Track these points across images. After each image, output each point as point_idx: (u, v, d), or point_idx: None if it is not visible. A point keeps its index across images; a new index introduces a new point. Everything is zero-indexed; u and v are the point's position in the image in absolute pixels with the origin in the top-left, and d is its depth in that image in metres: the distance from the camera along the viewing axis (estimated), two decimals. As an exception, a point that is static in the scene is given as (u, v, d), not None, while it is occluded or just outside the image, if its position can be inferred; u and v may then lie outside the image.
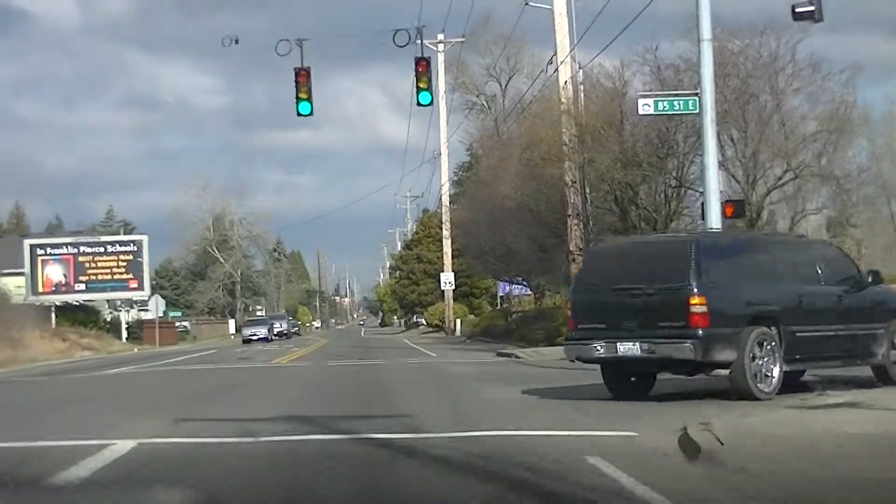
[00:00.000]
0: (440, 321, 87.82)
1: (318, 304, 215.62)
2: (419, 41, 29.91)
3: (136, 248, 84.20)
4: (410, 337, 72.76)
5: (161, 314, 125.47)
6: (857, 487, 8.25)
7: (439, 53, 67.04)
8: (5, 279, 75.24)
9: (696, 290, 14.87)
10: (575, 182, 35.84)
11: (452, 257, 72.91)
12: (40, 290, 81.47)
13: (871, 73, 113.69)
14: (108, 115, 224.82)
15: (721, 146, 30.75)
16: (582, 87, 35.91)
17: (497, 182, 50.16)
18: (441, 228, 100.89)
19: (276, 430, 12.90)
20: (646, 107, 31.39)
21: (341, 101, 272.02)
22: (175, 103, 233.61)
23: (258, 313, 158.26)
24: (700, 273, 15.10)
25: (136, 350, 72.54)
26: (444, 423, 13.26)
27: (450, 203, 73.00)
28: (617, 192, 35.17)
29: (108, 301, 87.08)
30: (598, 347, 15.91)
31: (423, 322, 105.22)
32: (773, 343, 15.33)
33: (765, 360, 15.16)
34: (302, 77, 29.47)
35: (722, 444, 10.03)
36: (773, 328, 15.40)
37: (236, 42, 30.46)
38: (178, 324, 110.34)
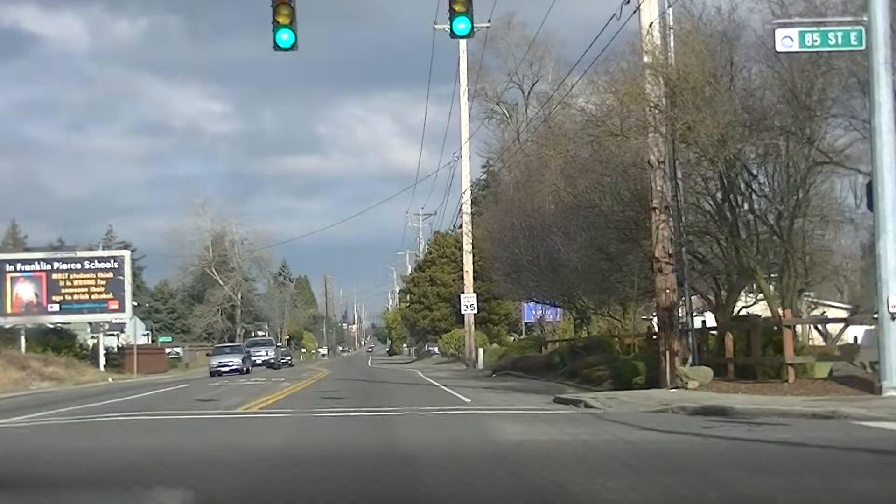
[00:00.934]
0: (456, 350, 77.41)
1: (324, 331, 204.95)
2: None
3: (116, 265, 73.99)
4: (424, 368, 62.35)
5: (146, 338, 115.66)
6: None
7: (461, 41, 56.93)
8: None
9: None
10: (663, 162, 25.54)
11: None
12: (8, 310, 71.30)
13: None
14: (118, 140, 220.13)
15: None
16: (672, 32, 25.69)
17: (534, 182, 39.92)
18: (457, 249, 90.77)
19: None
20: (787, 41, 21.19)
21: (352, 128, 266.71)
22: (185, 128, 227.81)
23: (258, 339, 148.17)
24: None
25: (110, 380, 62.29)
26: None
27: (466, 224, 62.67)
28: (723, 172, 24.89)
29: (90, 324, 76.75)
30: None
31: (437, 350, 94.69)
32: None
33: None
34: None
35: None
36: None
37: None
38: (168, 350, 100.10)
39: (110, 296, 73.27)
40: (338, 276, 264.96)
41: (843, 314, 31.83)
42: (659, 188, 25.60)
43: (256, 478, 10.65)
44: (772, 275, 26.63)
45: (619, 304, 38.42)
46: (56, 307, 72.30)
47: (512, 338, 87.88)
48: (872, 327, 23.23)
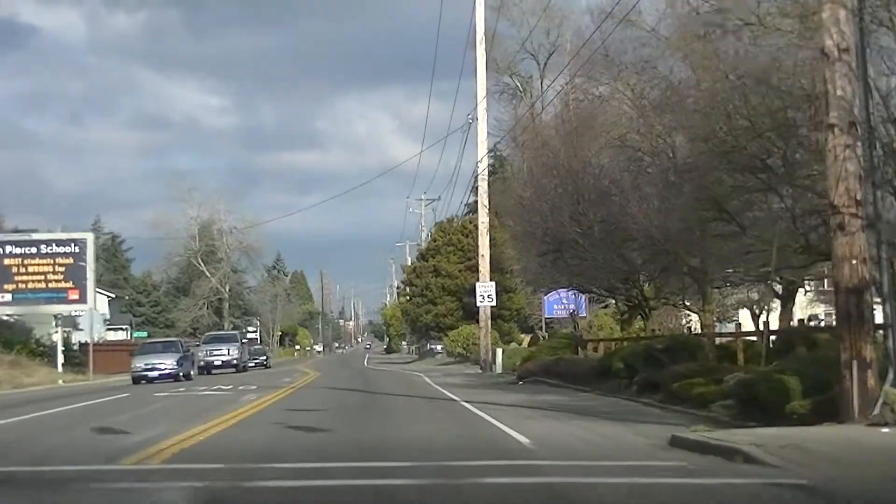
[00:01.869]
0: (465, 349, 67.03)
1: (320, 327, 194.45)
2: None
3: (77, 250, 63.44)
4: (430, 371, 51.99)
5: (125, 333, 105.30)
6: None
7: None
8: None
9: None
10: (846, 51, 15.26)
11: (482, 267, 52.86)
12: (-49, 300, 61.08)
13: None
14: (115, 133, 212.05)
15: None
16: None
17: (584, 135, 29.59)
18: (464, 236, 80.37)
19: None
20: None
21: (351, 123, 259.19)
22: (183, 122, 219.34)
23: (249, 335, 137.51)
24: None
25: (61, 382, 51.90)
26: None
27: (482, 194, 52.28)
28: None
29: (56, 317, 66.39)
30: None
31: (440, 349, 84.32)
32: None
33: None
34: None
35: None
36: None
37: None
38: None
39: (70, 284, 62.86)
40: (335, 273, 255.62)
41: None
42: (840, 92, 15.26)
43: None
44: None
45: (699, 293, 28.02)
46: (7, 297, 62.01)
47: (525, 337, 77.62)
48: None
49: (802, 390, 16.54)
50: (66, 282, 62.83)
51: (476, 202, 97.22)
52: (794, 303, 28.47)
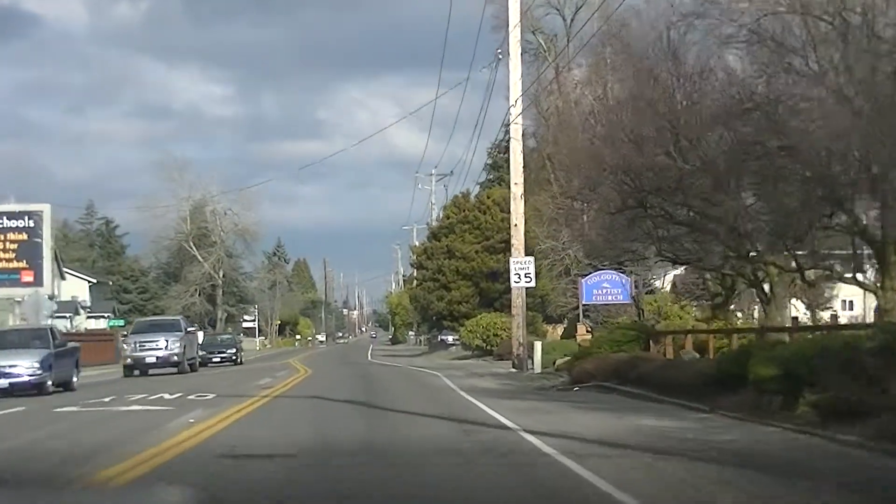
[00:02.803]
0: (484, 341, 56.89)
1: (322, 316, 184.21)
2: None
3: (32, 225, 53.46)
4: (448, 369, 41.81)
5: (105, 322, 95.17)
6: None
7: None
8: None
9: None
10: None
11: (509, 244, 42.91)
12: None
13: None
14: (117, 123, 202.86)
15: None
16: None
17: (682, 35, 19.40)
18: (481, 213, 70.20)
19: None
20: None
21: (353, 112, 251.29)
22: (185, 112, 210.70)
23: (245, 324, 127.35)
24: None
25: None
26: None
27: (515, 142, 41.93)
28: None
29: (19, 300, 56.51)
30: None
31: (452, 340, 74.16)
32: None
33: None
34: None
35: None
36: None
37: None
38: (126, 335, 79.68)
39: (23, 264, 52.94)
40: (339, 264, 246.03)
41: None
42: None
43: None
44: None
45: (874, 262, 17.84)
46: (-51, 278, 52.22)
47: (550, 327, 67.47)
48: None
49: None
50: (18, 261, 52.98)
51: (494, 179, 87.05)
52: None
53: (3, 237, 52.91)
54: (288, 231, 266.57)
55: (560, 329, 68.18)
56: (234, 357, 56.90)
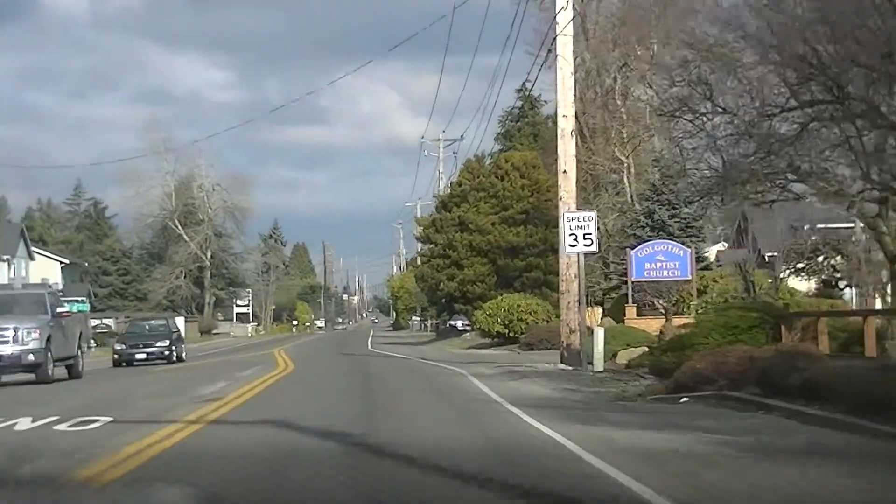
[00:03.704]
0: (506, 327, 47.15)
1: (322, 302, 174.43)
2: None
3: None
4: (466, 361, 32.08)
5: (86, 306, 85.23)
6: None
7: None
8: None
9: None
10: None
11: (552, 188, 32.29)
12: None
13: None
14: (119, 108, 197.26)
15: None
16: None
17: None
18: (498, 178, 60.40)
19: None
20: None
21: (355, 99, 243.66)
22: (187, 97, 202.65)
23: (237, 309, 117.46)
24: None
25: None
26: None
27: (563, 48, 32.11)
28: None
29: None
30: None
31: (462, 326, 64.46)
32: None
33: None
34: None
35: None
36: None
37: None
38: (95, 322, 70.18)
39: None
40: (338, 248, 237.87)
41: None
42: None
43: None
44: None
45: None
46: None
47: (593, 310, 57.63)
48: None
49: None
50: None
51: (507, 150, 76.97)
52: None
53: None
54: (287, 216, 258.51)
55: (594, 314, 58.47)
56: (166, 353, 38.17)
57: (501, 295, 48.87)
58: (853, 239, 28.44)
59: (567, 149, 27.02)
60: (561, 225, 25.31)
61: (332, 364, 33.01)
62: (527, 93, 79.87)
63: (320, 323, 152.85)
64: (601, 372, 24.87)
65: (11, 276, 72.36)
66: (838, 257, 30.44)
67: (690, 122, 15.95)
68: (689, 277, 39.01)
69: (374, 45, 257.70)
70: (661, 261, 38.81)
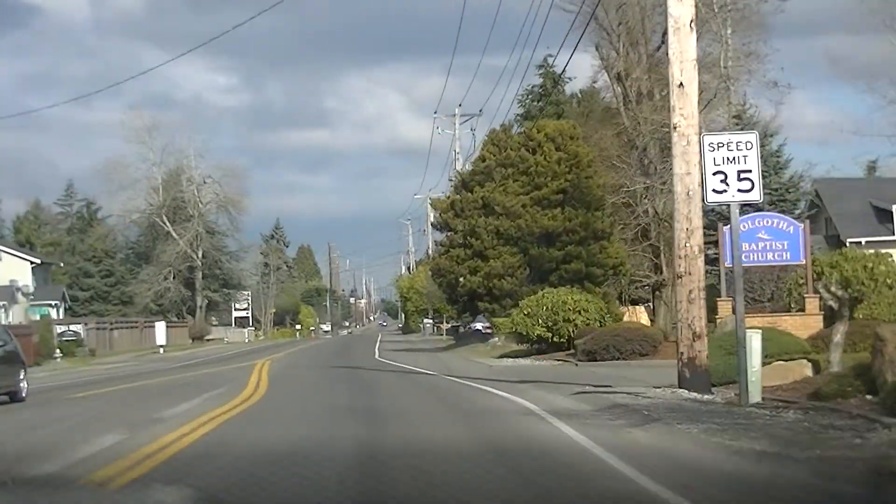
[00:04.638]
0: (550, 331, 36.87)
1: (328, 305, 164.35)
2: None
3: None
4: (516, 378, 21.92)
5: (56, 312, 75.25)
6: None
7: None
8: None
9: None
10: None
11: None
12: None
13: None
14: (121, 113, 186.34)
15: None
16: None
17: None
18: (529, 151, 50.10)
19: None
20: None
21: (359, 102, 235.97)
22: (189, 101, 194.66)
23: (236, 313, 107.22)
24: None
25: None
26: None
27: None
28: None
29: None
30: None
31: (483, 329, 54.35)
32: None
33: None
34: None
35: None
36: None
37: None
38: (62, 329, 60.02)
39: None
40: (345, 251, 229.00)
41: None
42: None
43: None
44: None
45: None
46: None
47: (630, 309, 47.39)
48: None
49: None
50: None
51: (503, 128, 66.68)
52: None
53: None
54: (292, 219, 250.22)
55: (641, 313, 48.36)
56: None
57: (543, 290, 38.62)
58: None
59: (684, 49, 16.89)
60: (676, 169, 15.08)
61: (325, 389, 22.81)
62: (549, 68, 70.20)
63: (326, 327, 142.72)
64: (760, 405, 14.75)
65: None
66: None
67: None
68: (802, 261, 28.98)
69: (381, 47, 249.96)
70: (763, 239, 28.78)
